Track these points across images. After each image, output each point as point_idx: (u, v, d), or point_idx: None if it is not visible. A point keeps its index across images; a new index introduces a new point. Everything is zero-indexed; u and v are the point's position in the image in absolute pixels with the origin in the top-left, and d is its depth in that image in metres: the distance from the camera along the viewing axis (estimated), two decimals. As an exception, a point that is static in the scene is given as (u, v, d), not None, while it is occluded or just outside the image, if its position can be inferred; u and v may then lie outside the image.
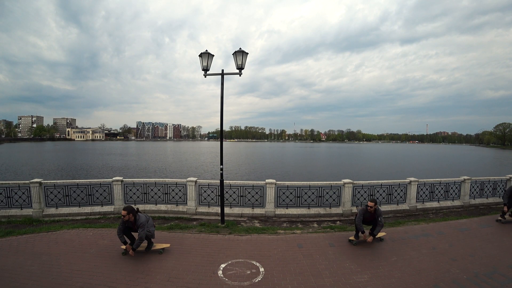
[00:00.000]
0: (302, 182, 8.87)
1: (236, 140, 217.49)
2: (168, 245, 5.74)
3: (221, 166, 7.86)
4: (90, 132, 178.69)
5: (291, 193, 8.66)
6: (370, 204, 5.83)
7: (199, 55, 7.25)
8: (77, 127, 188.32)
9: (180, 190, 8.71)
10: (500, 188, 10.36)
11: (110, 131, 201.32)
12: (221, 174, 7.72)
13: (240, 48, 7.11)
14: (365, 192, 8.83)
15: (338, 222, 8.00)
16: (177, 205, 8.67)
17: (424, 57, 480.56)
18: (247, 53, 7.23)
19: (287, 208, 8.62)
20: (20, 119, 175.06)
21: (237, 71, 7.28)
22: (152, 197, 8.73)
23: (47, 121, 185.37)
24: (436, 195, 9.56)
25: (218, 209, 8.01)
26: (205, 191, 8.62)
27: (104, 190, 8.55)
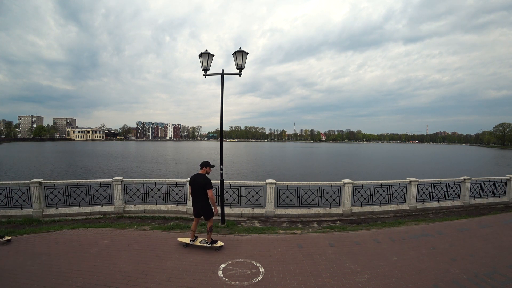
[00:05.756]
0: (302, 182, 8.86)
1: (236, 140, 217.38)
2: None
3: (221, 166, 7.86)
4: (90, 132, 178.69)
5: (291, 193, 8.64)
6: None
7: (199, 55, 7.25)
8: (77, 127, 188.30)
9: (180, 190, 8.70)
10: (500, 188, 10.37)
11: (110, 131, 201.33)
12: (221, 174, 7.73)
13: (240, 48, 7.10)
14: (365, 192, 8.83)
15: (338, 222, 8.01)
16: (177, 205, 8.67)
17: (427, 56, 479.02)
18: (247, 53, 7.22)
19: (287, 208, 8.62)
20: (20, 119, 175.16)
21: (237, 71, 7.29)
22: (152, 197, 8.72)
23: (47, 121, 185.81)
24: (436, 195, 9.55)
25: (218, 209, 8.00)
26: (205, 191, 8.60)
27: (104, 190, 8.54)
